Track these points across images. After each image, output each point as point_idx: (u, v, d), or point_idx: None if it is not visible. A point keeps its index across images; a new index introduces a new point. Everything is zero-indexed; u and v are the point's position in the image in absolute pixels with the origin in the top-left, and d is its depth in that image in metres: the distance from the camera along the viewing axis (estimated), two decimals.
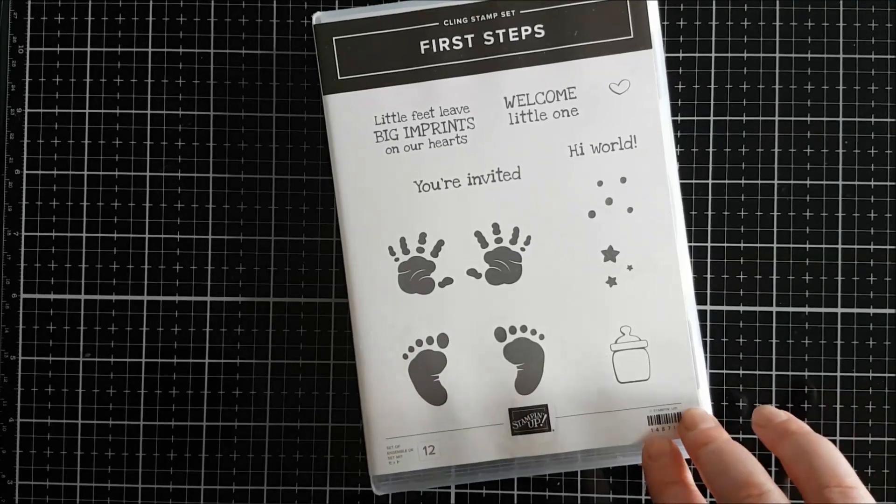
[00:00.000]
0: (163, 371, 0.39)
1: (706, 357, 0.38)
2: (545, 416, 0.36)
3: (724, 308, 0.38)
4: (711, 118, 0.39)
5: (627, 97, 0.36)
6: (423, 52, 0.36)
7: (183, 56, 0.39)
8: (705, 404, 0.36)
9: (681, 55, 0.39)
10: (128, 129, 0.39)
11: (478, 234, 0.37)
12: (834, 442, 0.38)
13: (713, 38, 0.39)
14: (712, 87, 0.39)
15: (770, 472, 0.37)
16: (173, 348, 0.39)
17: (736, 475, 0.31)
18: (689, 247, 0.38)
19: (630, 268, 0.36)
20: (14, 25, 0.39)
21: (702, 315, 0.38)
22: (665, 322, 0.36)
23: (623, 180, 0.36)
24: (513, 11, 0.36)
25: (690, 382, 0.36)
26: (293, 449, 0.39)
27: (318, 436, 0.39)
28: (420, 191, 0.37)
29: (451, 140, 0.37)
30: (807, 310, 0.38)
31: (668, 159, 0.36)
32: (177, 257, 0.39)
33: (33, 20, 0.39)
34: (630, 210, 0.36)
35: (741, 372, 0.38)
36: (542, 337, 0.36)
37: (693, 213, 0.38)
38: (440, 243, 0.37)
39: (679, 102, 0.39)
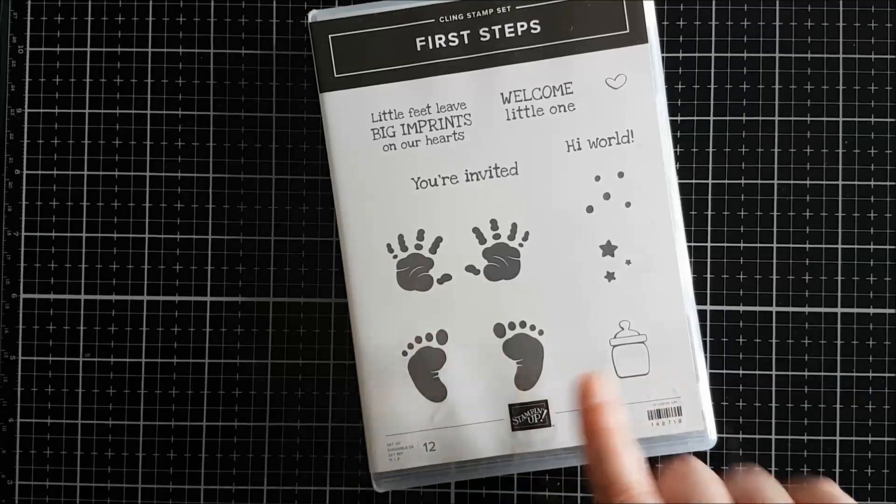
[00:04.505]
0: (163, 371, 0.39)
1: (706, 357, 0.38)
2: (545, 411, 0.36)
3: (724, 308, 0.38)
4: (711, 118, 0.39)
5: (624, 92, 0.36)
6: (419, 48, 0.37)
7: (183, 56, 0.39)
8: (705, 399, 0.36)
9: (681, 55, 0.39)
10: (128, 129, 0.39)
11: (476, 231, 0.37)
12: (834, 442, 0.38)
13: (713, 38, 0.39)
14: (712, 87, 0.39)
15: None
16: (173, 348, 0.39)
17: (606, 469, 0.28)
18: (689, 247, 0.38)
19: (628, 262, 0.36)
20: (14, 25, 0.39)
21: (702, 315, 0.38)
22: (664, 316, 0.36)
23: (621, 175, 0.36)
24: (508, 7, 0.36)
25: (690, 376, 0.36)
26: (293, 449, 0.39)
27: (318, 436, 0.39)
28: (417, 188, 0.37)
29: (448, 137, 0.37)
30: (807, 310, 0.38)
31: (665, 153, 0.36)
32: (177, 257, 0.39)
33: (33, 20, 0.39)
34: (628, 205, 0.36)
35: (741, 372, 0.38)
36: (541, 332, 0.36)
37: (693, 213, 0.38)
38: (438, 240, 0.37)
39: (679, 102, 0.39)
